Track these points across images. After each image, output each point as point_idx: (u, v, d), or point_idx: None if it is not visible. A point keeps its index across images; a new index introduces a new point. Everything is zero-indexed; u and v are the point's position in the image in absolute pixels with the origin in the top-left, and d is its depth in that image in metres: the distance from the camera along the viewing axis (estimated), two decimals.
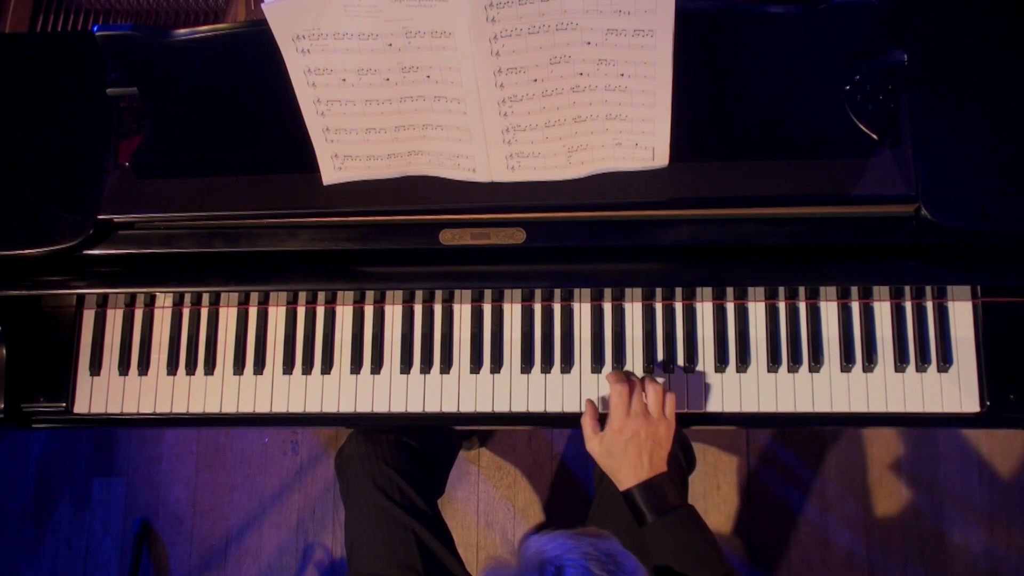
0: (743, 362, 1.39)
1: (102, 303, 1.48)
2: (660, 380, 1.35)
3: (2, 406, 1.42)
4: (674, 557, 1.25)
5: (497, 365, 1.42)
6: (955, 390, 1.36)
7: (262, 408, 1.45)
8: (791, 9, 1.14)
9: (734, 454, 2.21)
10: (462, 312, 1.44)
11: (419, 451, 1.54)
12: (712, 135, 1.25)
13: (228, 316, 1.47)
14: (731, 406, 1.39)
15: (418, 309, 1.45)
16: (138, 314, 1.48)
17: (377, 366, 1.43)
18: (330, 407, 1.44)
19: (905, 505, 2.17)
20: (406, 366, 1.43)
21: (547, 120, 1.21)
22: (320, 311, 1.46)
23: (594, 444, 1.32)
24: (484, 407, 1.42)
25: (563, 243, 1.29)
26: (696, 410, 1.39)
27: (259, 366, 1.45)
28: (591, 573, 0.94)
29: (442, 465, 1.67)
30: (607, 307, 1.42)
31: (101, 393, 1.46)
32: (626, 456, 1.28)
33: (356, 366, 1.44)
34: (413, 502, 1.47)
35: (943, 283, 1.35)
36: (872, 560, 2.15)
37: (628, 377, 1.32)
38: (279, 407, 1.44)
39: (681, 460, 1.56)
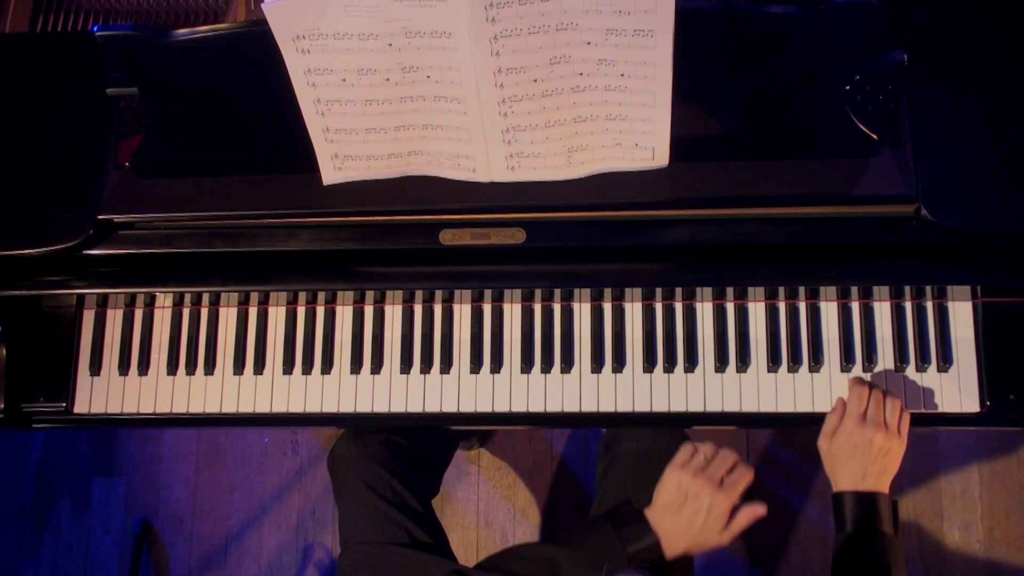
0: (743, 362, 1.39)
1: (102, 303, 1.48)
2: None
3: (2, 406, 1.42)
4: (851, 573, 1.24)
5: (497, 365, 1.42)
6: (955, 390, 1.36)
7: (262, 408, 1.45)
8: (791, 9, 1.14)
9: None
10: (462, 312, 1.44)
11: (411, 451, 1.54)
12: (712, 135, 1.25)
13: (228, 316, 1.47)
14: (731, 406, 1.39)
15: (418, 309, 1.45)
16: (138, 314, 1.48)
17: (377, 366, 1.43)
18: (330, 407, 1.44)
19: (905, 505, 2.17)
20: (406, 366, 1.43)
21: (547, 120, 1.21)
22: (320, 311, 1.46)
23: (823, 444, 1.30)
24: (484, 407, 1.42)
25: (563, 243, 1.29)
26: (696, 410, 1.39)
27: (259, 366, 1.45)
28: None
29: (436, 465, 1.67)
30: (607, 307, 1.42)
31: (101, 393, 1.46)
32: (851, 462, 1.26)
33: (356, 366, 1.44)
34: (406, 501, 1.47)
35: (943, 283, 1.35)
36: None
37: (869, 385, 1.31)
38: (279, 407, 1.44)
39: None
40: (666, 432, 1.53)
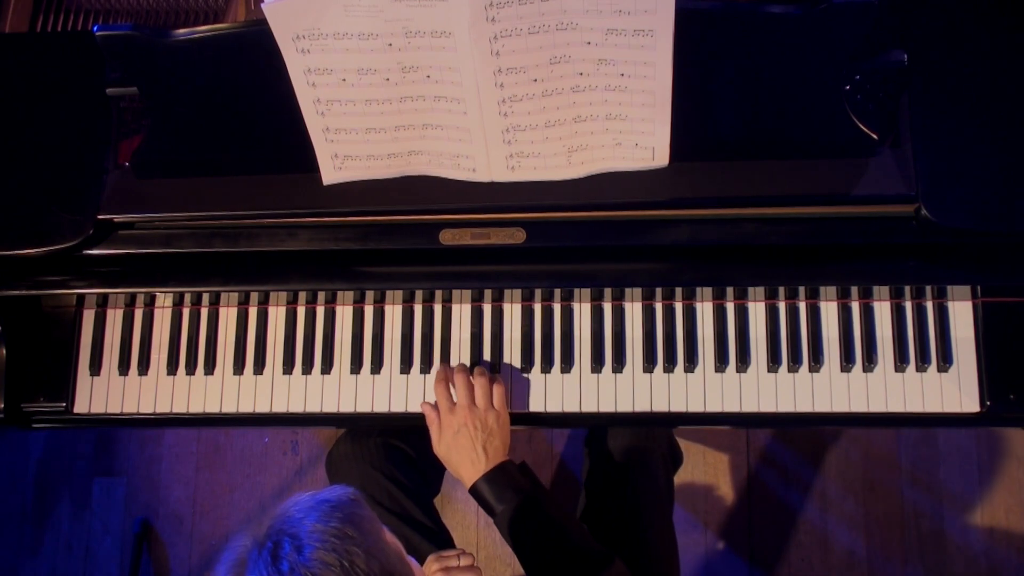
0: (743, 362, 1.39)
1: (102, 303, 1.48)
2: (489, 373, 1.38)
3: (2, 406, 1.42)
4: (529, 542, 1.28)
5: (497, 365, 1.42)
6: (955, 390, 1.36)
7: (262, 408, 1.45)
8: (791, 9, 1.14)
9: (734, 454, 2.21)
10: (462, 312, 1.44)
11: (408, 453, 1.53)
12: (712, 135, 1.25)
13: (228, 316, 1.47)
14: (731, 406, 1.39)
15: (418, 309, 1.45)
16: (138, 314, 1.48)
17: (377, 366, 1.43)
18: (330, 407, 1.44)
19: (905, 505, 2.17)
20: (406, 366, 1.43)
21: (547, 120, 1.21)
22: (320, 311, 1.46)
23: (439, 450, 1.35)
24: None
25: (563, 243, 1.29)
26: (696, 410, 1.39)
27: (259, 366, 1.45)
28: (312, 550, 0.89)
29: (435, 466, 1.66)
30: (607, 307, 1.42)
31: (101, 393, 1.46)
32: (460, 451, 1.31)
33: (356, 366, 1.44)
34: (403, 506, 1.46)
35: (943, 283, 1.35)
36: (872, 560, 2.15)
37: (447, 372, 1.36)
38: (279, 407, 1.44)
39: (666, 458, 1.56)
40: (644, 429, 1.53)
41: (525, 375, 1.42)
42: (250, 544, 0.92)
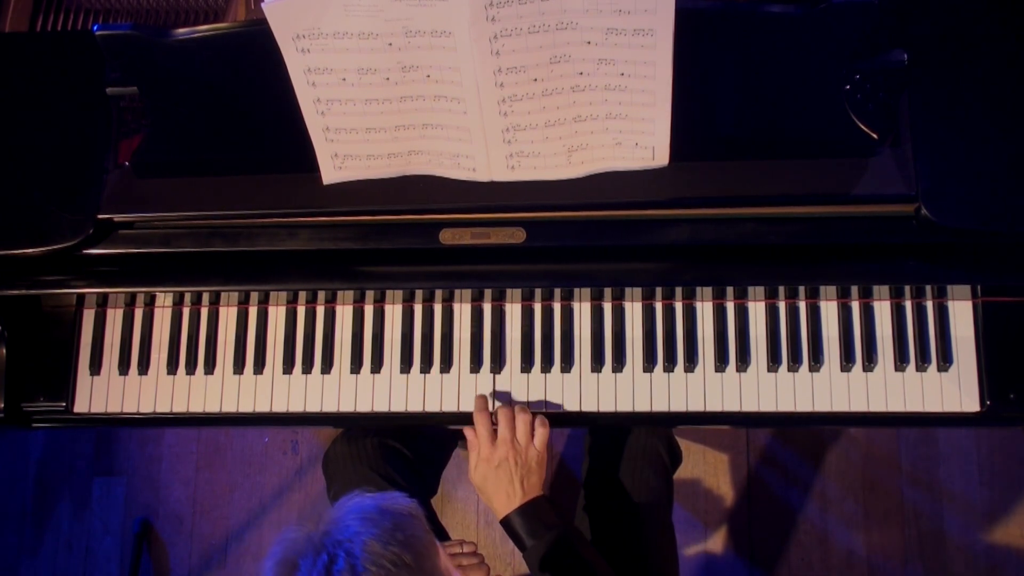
0: (743, 362, 1.39)
1: (102, 303, 1.47)
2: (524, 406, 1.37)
3: (2, 406, 1.42)
4: None
5: (497, 365, 1.42)
6: (955, 389, 1.36)
7: (262, 408, 1.45)
8: (791, 9, 1.14)
9: (734, 454, 2.21)
10: (462, 312, 1.44)
11: (405, 454, 1.53)
12: (712, 135, 1.25)
13: (228, 316, 1.47)
14: (731, 406, 1.39)
15: (418, 309, 1.45)
16: (138, 314, 1.48)
17: (377, 366, 1.43)
18: (330, 407, 1.43)
19: (905, 505, 2.17)
20: (406, 366, 1.43)
21: (547, 120, 1.21)
22: (320, 311, 1.46)
23: (474, 477, 1.35)
24: None
25: (563, 243, 1.29)
26: (696, 410, 1.39)
27: (259, 366, 1.45)
28: (363, 570, 0.89)
29: (433, 465, 1.67)
30: (607, 307, 1.42)
31: (101, 393, 1.46)
32: (498, 483, 1.31)
33: (356, 366, 1.44)
34: None
35: (943, 283, 1.35)
36: (872, 560, 2.15)
37: (486, 401, 1.36)
38: (279, 407, 1.44)
39: (664, 457, 1.56)
40: (643, 429, 1.54)
41: (525, 375, 1.41)
42: (303, 545, 0.91)
